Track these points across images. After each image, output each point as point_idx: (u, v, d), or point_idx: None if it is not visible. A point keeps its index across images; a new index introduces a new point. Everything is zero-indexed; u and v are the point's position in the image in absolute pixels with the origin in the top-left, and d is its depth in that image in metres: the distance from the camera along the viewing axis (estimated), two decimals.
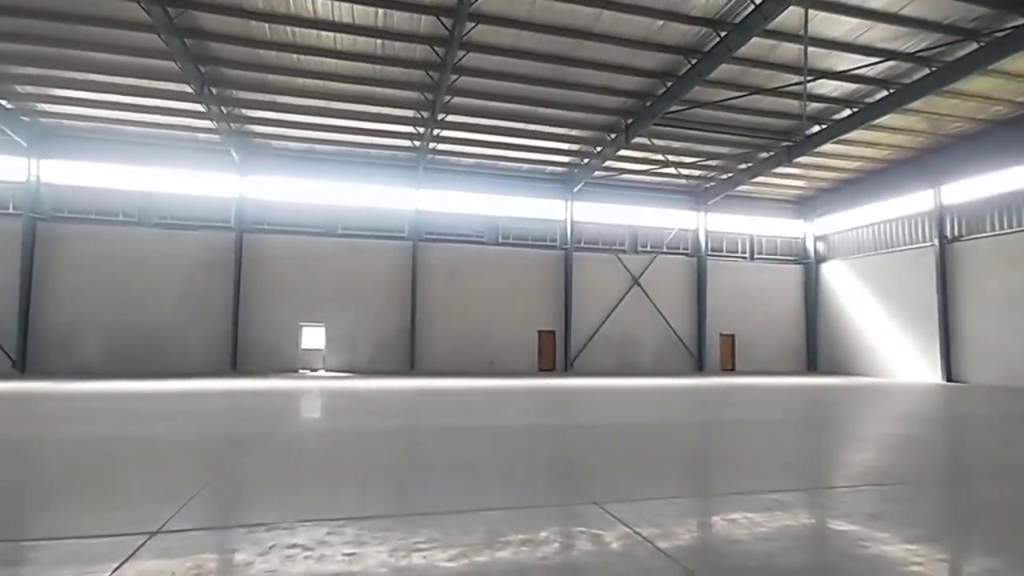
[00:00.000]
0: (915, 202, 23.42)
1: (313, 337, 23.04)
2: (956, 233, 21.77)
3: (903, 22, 14.00)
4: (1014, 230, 19.74)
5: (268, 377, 19.71)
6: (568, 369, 24.97)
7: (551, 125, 20.10)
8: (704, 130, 20.26)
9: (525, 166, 24.29)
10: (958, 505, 5.39)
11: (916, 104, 17.79)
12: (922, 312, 22.70)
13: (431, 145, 21.70)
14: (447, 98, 17.80)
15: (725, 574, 3.62)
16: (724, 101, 17.74)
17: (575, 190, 25.19)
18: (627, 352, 25.95)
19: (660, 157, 22.40)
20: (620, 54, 15.80)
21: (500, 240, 25.11)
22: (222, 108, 18.70)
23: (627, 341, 25.98)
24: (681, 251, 27.22)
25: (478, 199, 25.24)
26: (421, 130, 20.25)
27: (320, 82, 17.24)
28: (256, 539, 3.90)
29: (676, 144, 21.66)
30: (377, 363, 23.30)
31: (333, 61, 16.14)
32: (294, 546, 3.77)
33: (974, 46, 14.60)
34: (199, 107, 18.30)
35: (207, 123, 19.67)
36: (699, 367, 26.51)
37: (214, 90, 17.58)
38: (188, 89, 16.99)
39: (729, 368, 27.21)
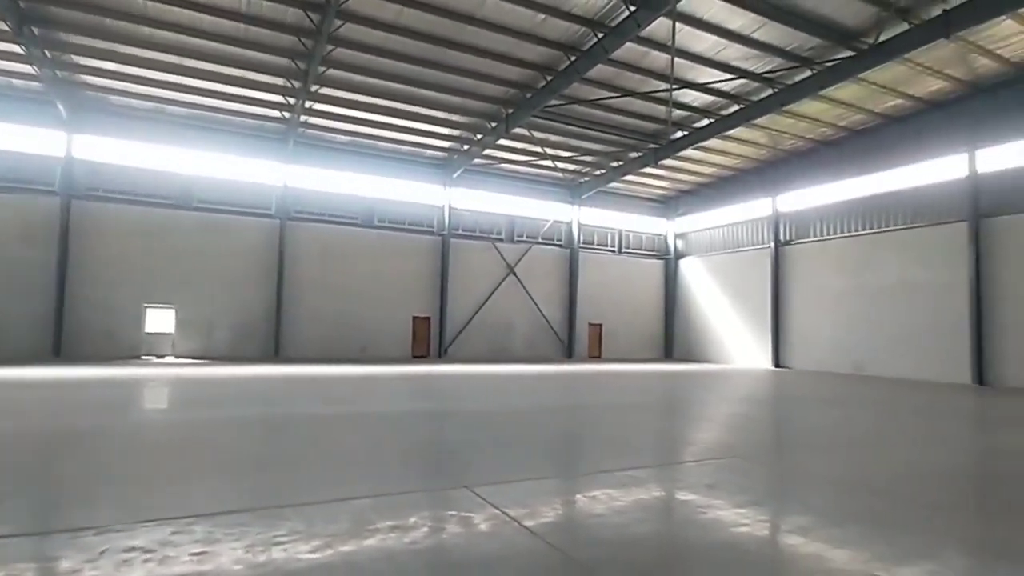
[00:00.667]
0: (757, 208, 26.37)
1: (160, 320, 20.74)
2: (788, 237, 24.87)
3: (754, 45, 15.60)
4: (832, 237, 22.97)
5: (103, 364, 17.43)
6: (443, 355, 24.98)
7: (432, 108, 19.78)
8: (580, 126, 21.15)
9: (404, 148, 23.72)
10: (780, 473, 6.19)
11: (761, 120, 19.97)
12: (759, 306, 25.71)
13: (303, 118, 20.38)
14: (322, 69, 16.80)
15: (584, 545, 3.84)
16: (600, 100, 18.61)
17: (454, 176, 25.11)
18: (501, 339, 26.53)
19: (538, 149, 23.02)
20: (503, 43, 15.93)
21: (376, 223, 24.34)
22: (46, 52, 16.01)
23: (501, 328, 26.54)
24: (555, 242, 28.28)
25: (354, 179, 24.16)
26: (292, 101, 18.92)
27: (172, 35, 15.38)
28: (84, 544, 3.44)
29: (554, 138, 22.38)
30: (238, 349, 21.59)
31: (189, 13, 14.49)
32: (131, 549, 3.38)
33: (808, 73, 16.68)
34: (16, 48, 15.53)
35: (26, 67, 16.77)
36: (568, 354, 27.83)
37: (36, 30, 15.01)
38: (2, 26, 14.36)
39: (595, 355, 28.87)
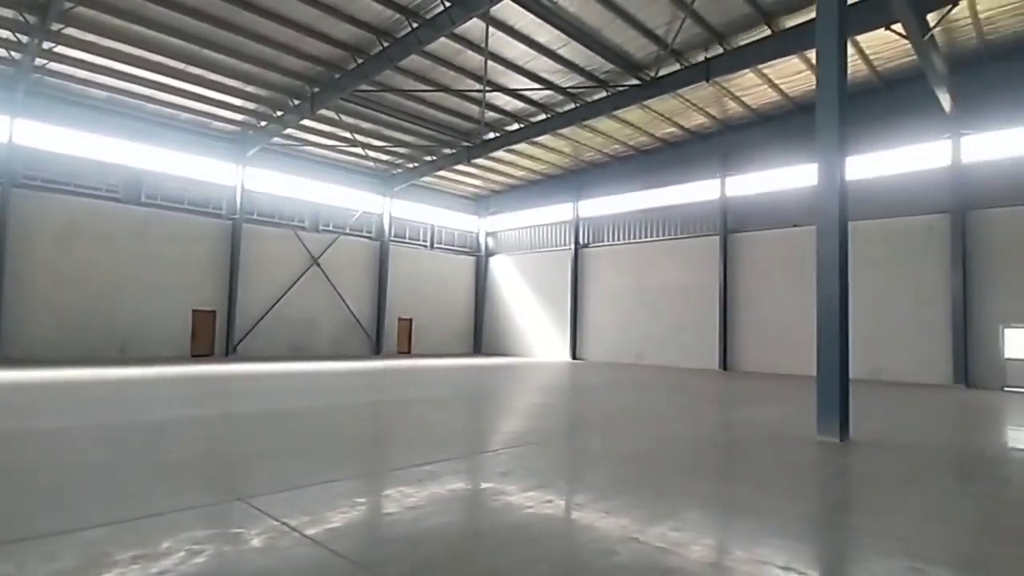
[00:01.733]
0: (562, 212, 28.49)
1: None
2: (587, 240, 27.30)
3: (559, 60, 16.76)
4: (622, 242, 25.78)
5: None
6: (231, 354, 22.53)
7: (221, 73, 17.49)
8: (394, 116, 20.70)
9: (185, 116, 20.71)
10: (567, 455, 6.70)
11: (565, 131, 21.59)
12: (561, 303, 27.85)
13: (39, 62, 16.54)
14: (68, 5, 13.77)
15: (372, 547, 3.68)
16: (414, 92, 18.39)
17: (249, 154, 22.74)
18: (302, 335, 24.83)
19: (348, 135, 22.00)
20: (308, 13, 14.76)
21: (144, 199, 20.72)
22: None
23: (303, 323, 24.85)
24: (365, 234, 27.33)
25: (114, 144, 20.21)
26: (24, 39, 15.27)
27: None
28: None
29: (366, 125, 21.57)
30: None
31: None
32: None
33: (604, 93, 18.45)
34: None
35: None
36: (377, 350, 27.13)
37: None
38: None
39: (405, 351, 28.60)
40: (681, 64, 16.54)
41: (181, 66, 17.08)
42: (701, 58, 16.17)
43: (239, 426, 7.86)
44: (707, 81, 16.13)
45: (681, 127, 21.45)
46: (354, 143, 22.57)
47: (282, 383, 13.53)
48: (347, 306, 26.22)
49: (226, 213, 22.82)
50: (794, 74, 17.07)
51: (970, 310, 16.41)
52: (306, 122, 20.73)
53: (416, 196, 29.10)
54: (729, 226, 21.92)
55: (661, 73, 16.87)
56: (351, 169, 26.44)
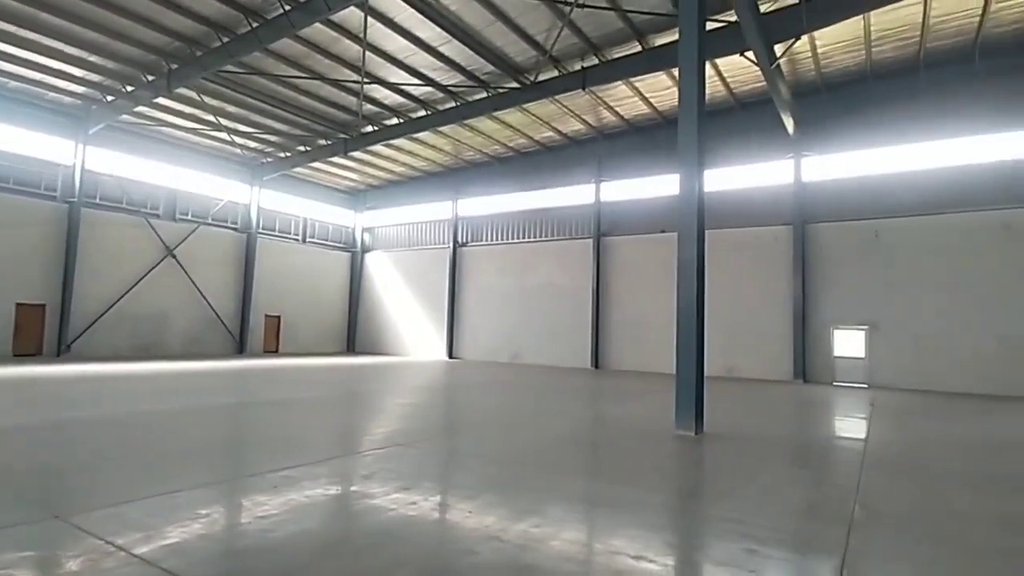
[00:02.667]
0: (441, 210, 28.26)
1: None
2: (465, 239, 27.32)
3: (440, 57, 16.57)
4: (501, 242, 26.12)
5: None
6: (63, 353, 19.69)
7: (58, 39, 15.32)
8: (265, 102, 19.28)
9: (11, 83, 17.89)
10: (435, 455, 6.56)
11: (446, 129, 21.43)
12: (438, 302, 27.60)
13: None
14: None
15: (212, 561, 3.31)
16: (286, 77, 17.24)
17: (91, 132, 20.05)
18: (151, 333, 22.31)
19: (212, 118, 20.14)
20: None
21: None
22: None
23: (153, 319, 22.34)
24: (230, 225, 25.20)
25: None
26: None
27: None
28: None
29: (232, 109, 19.86)
30: None
31: None
32: None
33: (485, 94, 18.55)
34: None
35: None
36: (240, 349, 25.12)
37: None
38: None
39: (273, 350, 26.77)
40: (559, 71, 17.09)
41: (11, 28, 14.66)
42: (578, 67, 16.82)
43: (66, 434, 6.80)
44: (583, 89, 16.81)
45: (559, 132, 22.19)
46: (219, 127, 20.70)
47: (126, 385, 11.98)
48: (207, 301, 24.00)
49: (61, 195, 19.90)
50: (662, 89, 18.33)
51: (808, 313, 18.64)
52: (162, 101, 18.69)
53: (288, 187, 27.39)
54: (602, 229, 23.06)
55: (540, 78, 17.31)
56: (215, 155, 24.27)
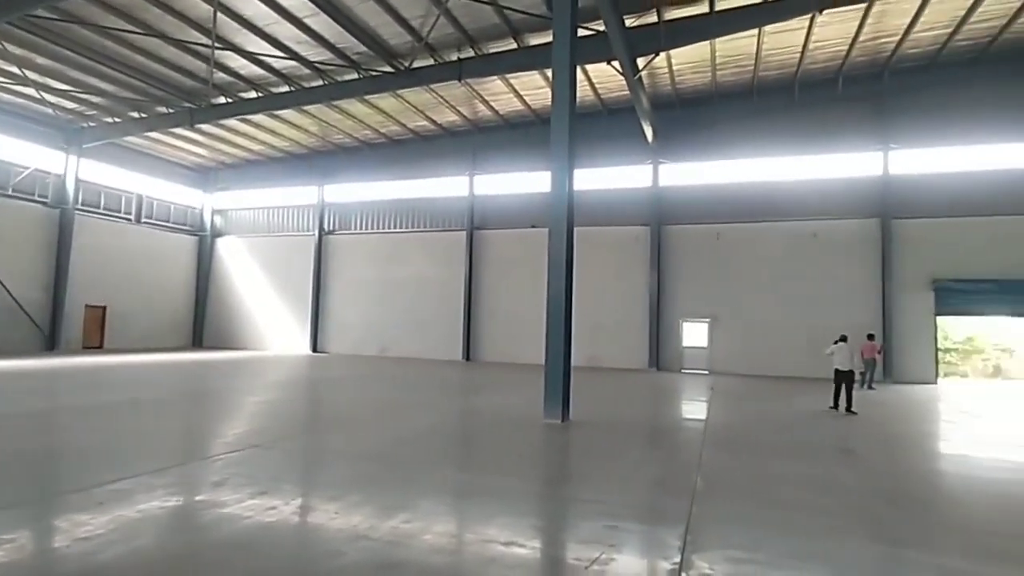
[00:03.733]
0: (305, 195, 26.50)
1: None
2: (332, 227, 25.92)
3: (306, 30, 15.46)
4: (370, 231, 25.14)
5: None
6: None
7: None
8: (87, 56, 16.61)
9: None
10: (295, 457, 6.12)
11: (312, 108, 20.14)
12: (301, 292, 25.90)
13: None
14: None
15: None
16: (117, 31, 15.02)
17: None
18: None
19: (16, 70, 16.97)
20: None
21: None
22: None
23: None
24: (38, 198, 21.44)
25: None
26: None
27: None
28: None
29: (42, 60, 16.84)
30: None
31: None
32: None
33: (356, 76, 17.69)
34: None
35: None
36: (50, 345, 21.54)
37: None
38: None
39: (95, 345, 23.30)
40: (435, 60, 16.81)
41: None
42: (455, 57, 16.67)
43: None
44: (460, 81, 16.69)
45: (433, 122, 21.88)
46: (24, 80, 17.49)
47: None
48: (5, 289, 20.24)
49: None
50: (536, 88, 18.79)
51: (662, 307, 20.26)
52: None
53: (118, 158, 23.97)
54: (476, 223, 23.17)
55: (416, 65, 16.89)
56: (18, 113, 20.52)
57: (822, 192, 18.71)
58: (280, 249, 26.74)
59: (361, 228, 25.36)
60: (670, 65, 17.31)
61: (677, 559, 3.45)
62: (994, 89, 17.11)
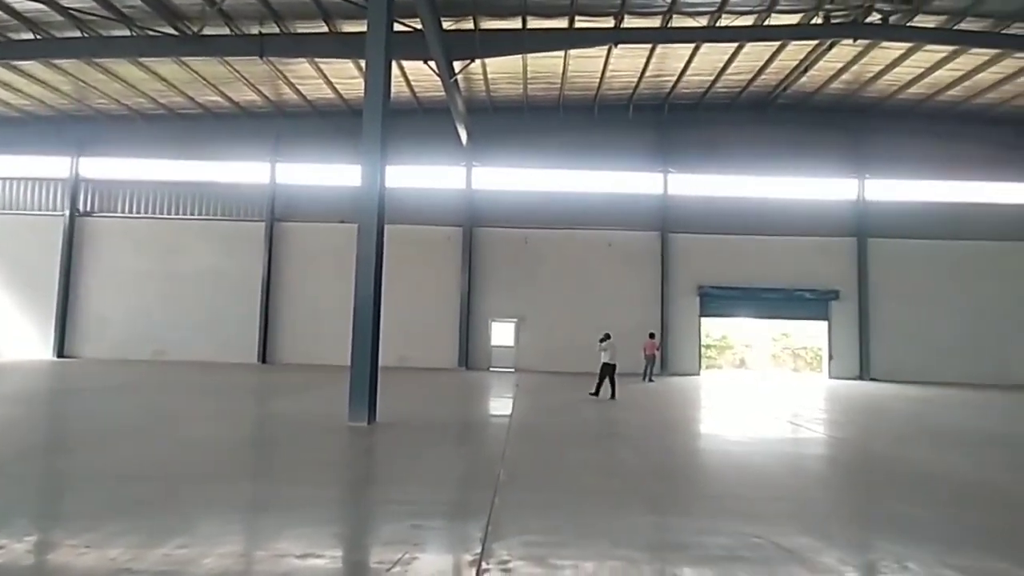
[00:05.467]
0: (54, 166, 21.79)
1: None
2: (90, 208, 21.74)
3: None
4: (143, 216, 21.60)
5: None
6: None
7: None
8: None
9: None
10: (35, 485, 4.96)
11: (67, 64, 16.76)
12: (44, 285, 21.20)
13: None
14: None
15: None
16: None
17: None
18: None
19: None
20: None
21: None
22: None
23: None
24: None
25: None
26: None
27: None
28: None
29: None
30: None
31: None
32: None
33: (128, 32, 14.98)
34: None
35: None
36: None
37: None
38: None
39: None
40: (232, 30, 15.11)
41: None
42: (256, 31, 15.15)
43: None
44: (262, 57, 15.24)
45: (229, 99, 19.68)
46: None
47: None
48: None
49: None
50: (350, 77, 17.95)
51: (472, 307, 20.80)
52: None
53: None
54: (277, 214, 21.37)
55: (207, 32, 14.97)
56: None
57: (617, 205, 21.01)
58: (13, 231, 21.62)
59: (131, 211, 21.75)
60: (485, 73, 17.92)
61: (478, 550, 3.52)
62: (740, 129, 20.92)
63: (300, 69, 17.57)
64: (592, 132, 20.97)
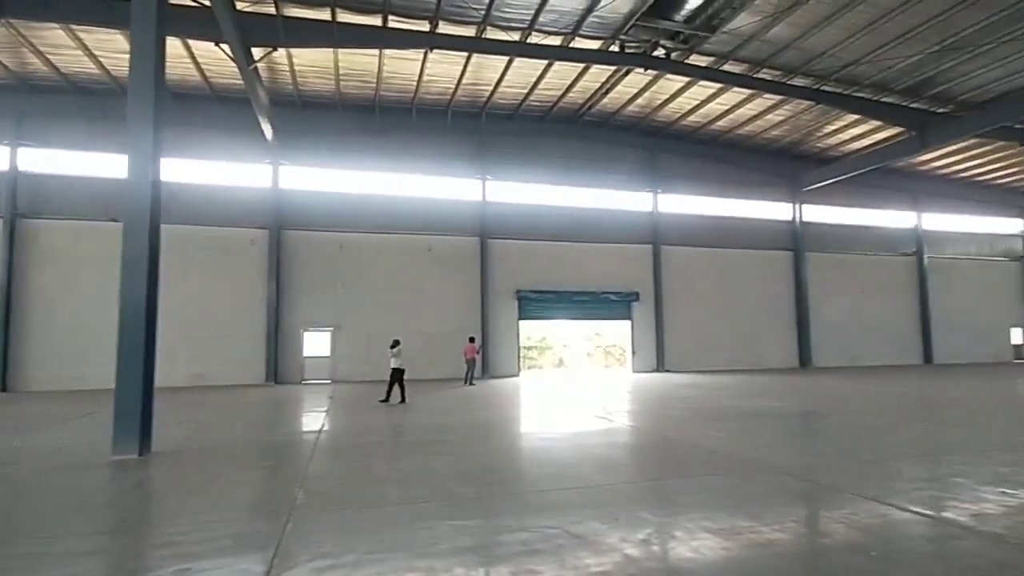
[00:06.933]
0: None
1: None
2: None
3: None
4: None
5: None
6: None
7: None
8: None
9: None
10: None
11: None
12: None
13: None
14: None
15: None
16: None
17: None
18: None
19: None
20: None
21: None
22: None
23: None
24: None
25: None
26: None
27: None
28: None
29: None
30: None
31: None
32: None
33: None
34: None
35: None
36: None
37: None
38: None
39: None
40: None
41: None
42: None
43: None
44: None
45: None
46: None
47: None
48: None
49: None
50: (120, 51, 15.32)
51: (281, 316, 19.06)
52: None
53: None
54: (21, 208, 17.48)
55: None
56: None
57: (437, 210, 20.92)
58: None
59: None
60: (292, 64, 16.69)
61: None
62: (553, 142, 22.23)
63: (53, 35, 14.64)
64: (410, 135, 20.68)
